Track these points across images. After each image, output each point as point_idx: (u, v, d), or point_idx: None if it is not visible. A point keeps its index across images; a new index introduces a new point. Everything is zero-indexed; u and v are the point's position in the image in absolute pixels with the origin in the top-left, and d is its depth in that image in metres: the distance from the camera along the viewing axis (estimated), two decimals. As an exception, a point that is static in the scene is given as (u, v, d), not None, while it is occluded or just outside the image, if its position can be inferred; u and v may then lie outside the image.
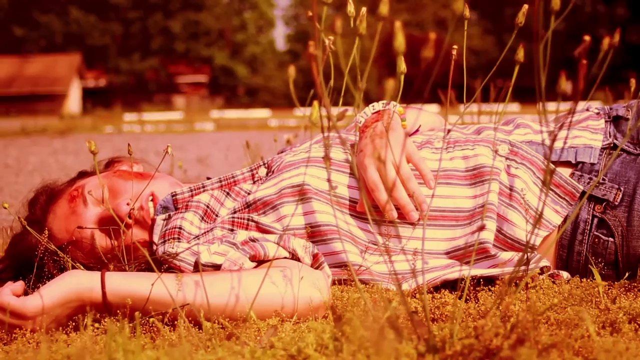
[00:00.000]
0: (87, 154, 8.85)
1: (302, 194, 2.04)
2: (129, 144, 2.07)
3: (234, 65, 70.71)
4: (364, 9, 1.67)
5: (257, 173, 2.17)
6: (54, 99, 59.42)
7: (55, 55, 64.32)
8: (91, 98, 61.70)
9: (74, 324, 1.88)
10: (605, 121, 2.13)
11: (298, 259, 2.00)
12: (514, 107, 41.41)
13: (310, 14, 1.74)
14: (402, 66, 1.57)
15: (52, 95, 59.46)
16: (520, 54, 1.65)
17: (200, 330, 1.80)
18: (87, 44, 68.49)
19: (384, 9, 1.43)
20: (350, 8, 1.81)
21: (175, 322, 1.82)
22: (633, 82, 1.93)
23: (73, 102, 60.50)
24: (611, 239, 2.00)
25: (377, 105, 2.02)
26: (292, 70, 1.51)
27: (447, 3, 64.47)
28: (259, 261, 2.00)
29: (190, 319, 1.84)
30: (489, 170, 2.02)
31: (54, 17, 69.50)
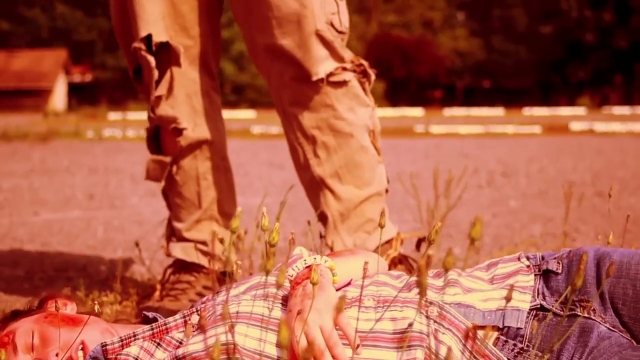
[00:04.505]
0: (62, 174, 8.77)
1: (228, 353, 2.00)
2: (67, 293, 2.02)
3: (221, 63, 70.66)
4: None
5: (189, 320, 2.12)
6: (40, 95, 59.24)
7: (42, 50, 64.11)
8: (77, 94, 61.50)
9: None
10: (535, 275, 2.06)
11: None
12: (499, 111, 41.62)
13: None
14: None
15: (38, 90, 59.27)
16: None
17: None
18: (74, 39, 68.28)
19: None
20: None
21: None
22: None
23: (58, 97, 60.30)
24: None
25: (309, 260, 1.97)
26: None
27: (433, 4, 64.53)
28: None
29: None
30: (416, 335, 1.97)
31: (39, 12, 69.26)
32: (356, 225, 2.53)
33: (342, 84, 2.45)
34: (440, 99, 62.71)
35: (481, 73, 65.19)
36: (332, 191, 2.51)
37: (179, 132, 2.59)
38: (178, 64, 2.54)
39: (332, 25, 2.43)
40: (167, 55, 2.54)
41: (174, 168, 2.65)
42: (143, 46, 2.49)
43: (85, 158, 11.41)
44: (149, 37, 2.49)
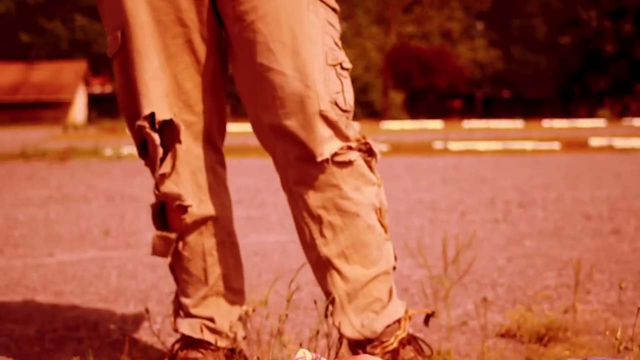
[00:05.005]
0: (79, 203, 8.78)
1: None
2: None
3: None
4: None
5: None
6: (60, 107, 59.56)
7: (61, 62, 64.49)
8: (97, 105, 61.76)
9: None
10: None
11: None
12: (518, 123, 41.49)
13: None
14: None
15: (58, 102, 59.57)
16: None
17: None
18: (93, 50, 68.59)
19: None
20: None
21: None
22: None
23: (78, 109, 60.59)
24: None
25: (308, 366, 1.95)
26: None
27: (452, 15, 64.46)
28: None
29: None
30: None
31: (59, 24, 69.67)
32: (363, 305, 2.51)
33: (348, 163, 2.44)
34: (459, 109, 62.59)
35: (500, 83, 65.04)
36: (338, 271, 2.49)
37: (184, 209, 2.58)
38: (181, 141, 2.54)
39: (336, 104, 2.41)
40: (171, 132, 2.53)
41: (180, 244, 2.64)
42: (147, 124, 2.49)
43: (102, 182, 11.45)
44: (152, 115, 2.49)
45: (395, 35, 62.78)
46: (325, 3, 2.46)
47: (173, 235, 2.63)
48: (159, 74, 2.50)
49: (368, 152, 2.50)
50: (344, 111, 2.44)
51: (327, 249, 2.49)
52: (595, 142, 20.71)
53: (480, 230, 6.20)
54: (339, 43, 2.49)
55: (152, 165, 2.60)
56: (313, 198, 2.47)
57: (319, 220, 2.48)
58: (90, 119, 55.89)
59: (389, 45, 61.67)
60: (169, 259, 2.70)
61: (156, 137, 2.50)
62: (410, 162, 14.98)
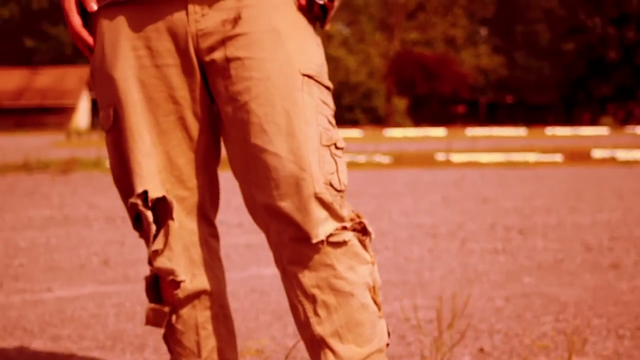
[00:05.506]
0: (80, 226, 8.76)
1: None
2: None
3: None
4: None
5: None
6: (63, 112, 59.64)
7: (65, 67, 64.55)
8: (100, 110, 61.79)
9: None
10: None
11: None
12: (522, 131, 41.51)
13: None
14: None
15: (61, 108, 59.64)
16: None
17: None
18: (97, 56, 68.56)
19: None
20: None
21: None
22: None
23: (82, 115, 60.64)
24: None
25: None
26: None
27: (456, 22, 64.49)
28: None
29: None
30: None
31: (63, 29, 69.72)
32: None
33: (342, 244, 2.43)
34: (463, 115, 62.63)
35: (504, 89, 65.11)
36: (332, 350, 2.49)
37: (177, 284, 2.58)
38: (174, 218, 2.53)
39: (331, 185, 2.41)
40: (164, 208, 2.53)
41: (174, 317, 2.64)
42: (140, 202, 2.49)
43: (104, 200, 11.46)
44: (145, 192, 2.49)
45: (399, 41, 62.85)
46: (318, 82, 2.45)
47: (166, 309, 2.63)
48: (152, 150, 2.50)
49: (362, 231, 2.49)
50: (339, 191, 2.44)
51: (321, 328, 2.49)
52: (597, 153, 20.74)
53: (479, 262, 6.20)
54: (333, 122, 2.48)
55: (147, 239, 2.60)
56: (307, 277, 2.46)
57: (313, 299, 2.47)
58: (93, 125, 55.93)
59: (393, 52, 61.72)
60: (162, 331, 2.71)
61: (149, 215, 2.49)
62: (412, 176, 14.98)
